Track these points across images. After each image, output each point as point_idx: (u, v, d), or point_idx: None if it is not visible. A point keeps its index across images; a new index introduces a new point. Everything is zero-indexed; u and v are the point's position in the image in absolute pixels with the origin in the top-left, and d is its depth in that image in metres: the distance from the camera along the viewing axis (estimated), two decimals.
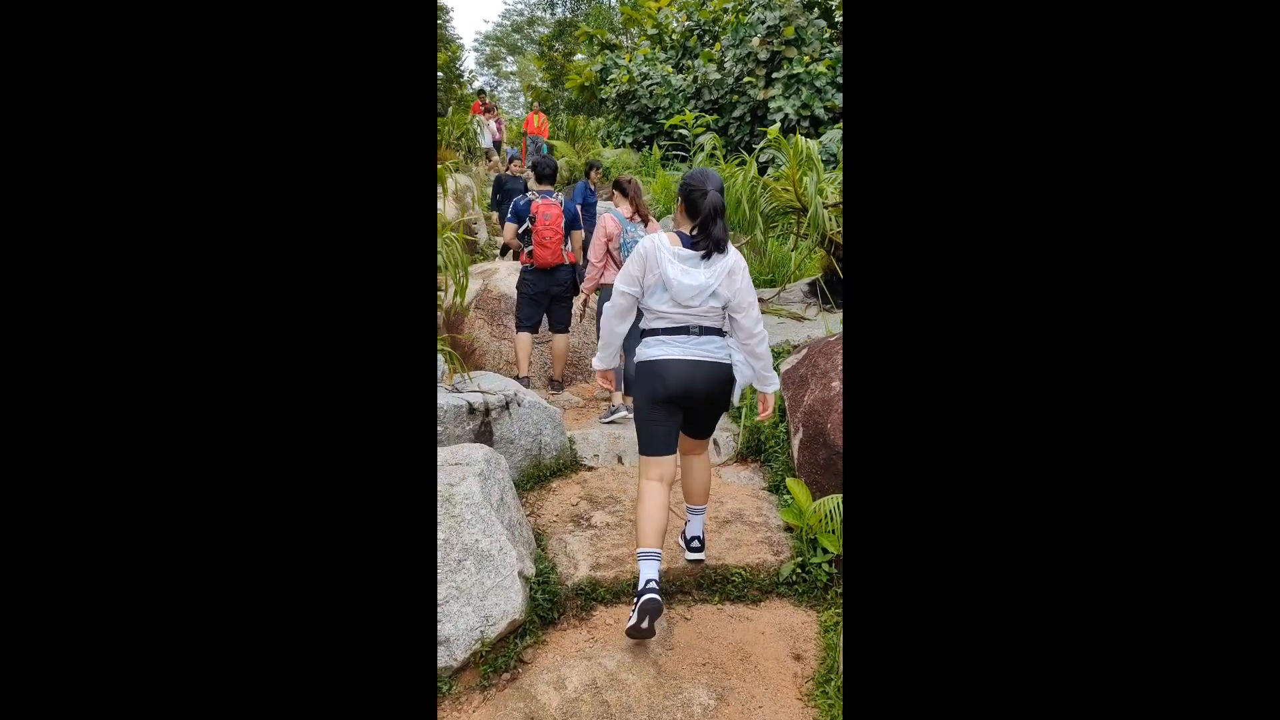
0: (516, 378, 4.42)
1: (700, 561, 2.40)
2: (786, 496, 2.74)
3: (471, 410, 2.98)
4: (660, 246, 2.08)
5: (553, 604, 2.21)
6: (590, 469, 3.34)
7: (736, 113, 10.31)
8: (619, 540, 2.59)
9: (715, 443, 3.54)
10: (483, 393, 3.07)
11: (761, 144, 4.52)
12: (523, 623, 2.06)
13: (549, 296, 4.29)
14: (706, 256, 2.06)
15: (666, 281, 2.05)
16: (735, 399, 2.18)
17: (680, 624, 2.21)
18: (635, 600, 2.00)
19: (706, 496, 2.37)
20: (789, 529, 2.66)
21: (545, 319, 4.35)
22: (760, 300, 4.65)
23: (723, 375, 2.11)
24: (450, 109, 10.70)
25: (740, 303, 2.09)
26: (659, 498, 2.10)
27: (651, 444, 2.13)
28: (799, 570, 2.40)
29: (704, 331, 2.10)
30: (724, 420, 3.79)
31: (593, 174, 6.52)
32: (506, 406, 3.12)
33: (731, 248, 2.13)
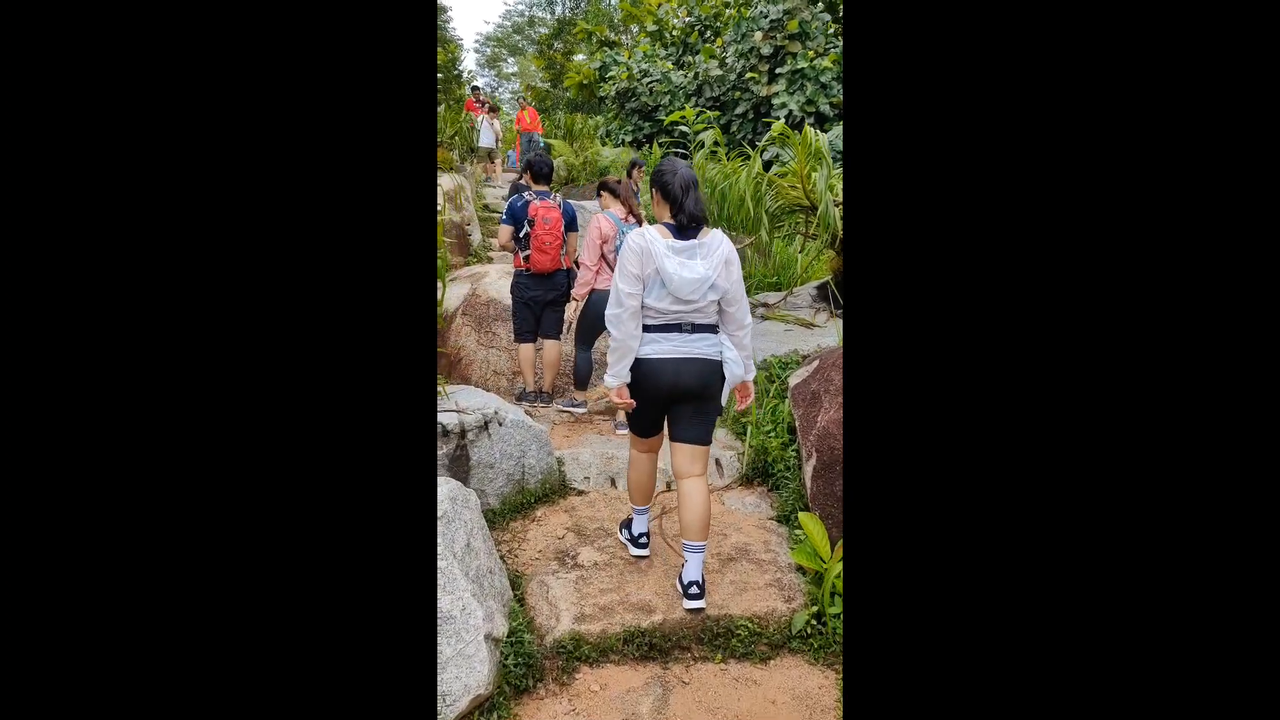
0: (521, 393, 4.11)
1: (700, 610, 2.11)
2: (799, 531, 2.42)
3: (445, 433, 2.67)
4: (653, 240, 2.01)
5: (528, 668, 1.89)
6: (580, 493, 3.03)
7: (739, 110, 10.00)
8: (607, 584, 2.27)
9: (718, 463, 3.23)
10: (458, 411, 2.76)
11: (766, 138, 4.21)
12: (489, 697, 1.75)
13: (544, 302, 3.98)
14: (692, 234, 2.04)
15: (665, 276, 1.98)
16: (724, 397, 2.12)
17: (677, 689, 1.90)
18: (645, 549, 2.41)
19: (707, 531, 2.13)
20: (802, 570, 2.34)
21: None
22: (765, 305, 4.33)
23: (712, 371, 2.07)
24: (442, 107, 10.34)
25: (736, 294, 2.07)
26: (649, 466, 2.31)
27: (639, 428, 2.22)
28: (814, 622, 2.09)
29: (697, 329, 2.06)
30: (727, 438, 3.48)
31: (635, 173, 5.57)
32: (485, 427, 2.80)
33: (719, 232, 2.10)
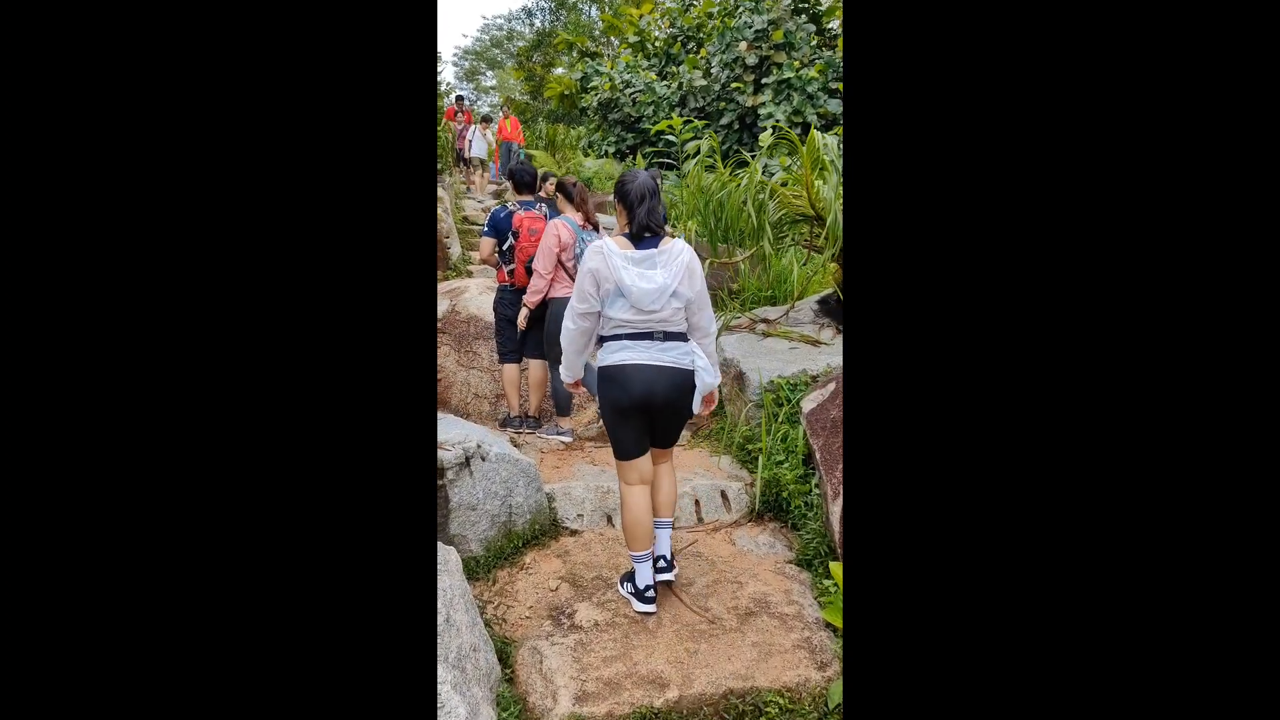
0: (505, 419, 3.79)
1: (670, 582, 2.22)
2: (827, 582, 2.13)
3: None
4: (610, 253, 1.99)
5: None
6: (574, 534, 2.71)
7: (724, 120, 9.84)
8: (611, 650, 1.96)
9: (724, 496, 2.93)
10: (440, 447, 2.43)
11: (767, 140, 3.96)
12: None
13: (529, 319, 3.69)
14: (651, 244, 2.01)
15: (624, 289, 1.97)
16: (696, 406, 2.10)
17: None
18: (651, 604, 2.13)
19: (674, 508, 2.28)
20: (833, 627, 2.05)
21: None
22: (766, 321, 4.07)
23: (685, 382, 2.05)
24: None
25: (700, 302, 2.06)
26: (643, 502, 2.13)
27: (623, 449, 2.12)
28: None
29: (669, 337, 2.04)
30: (732, 468, 3.19)
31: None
32: (467, 463, 2.48)
33: (680, 241, 2.08)
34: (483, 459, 2.53)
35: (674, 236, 2.13)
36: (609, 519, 2.80)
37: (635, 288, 1.96)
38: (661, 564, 2.21)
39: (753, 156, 4.30)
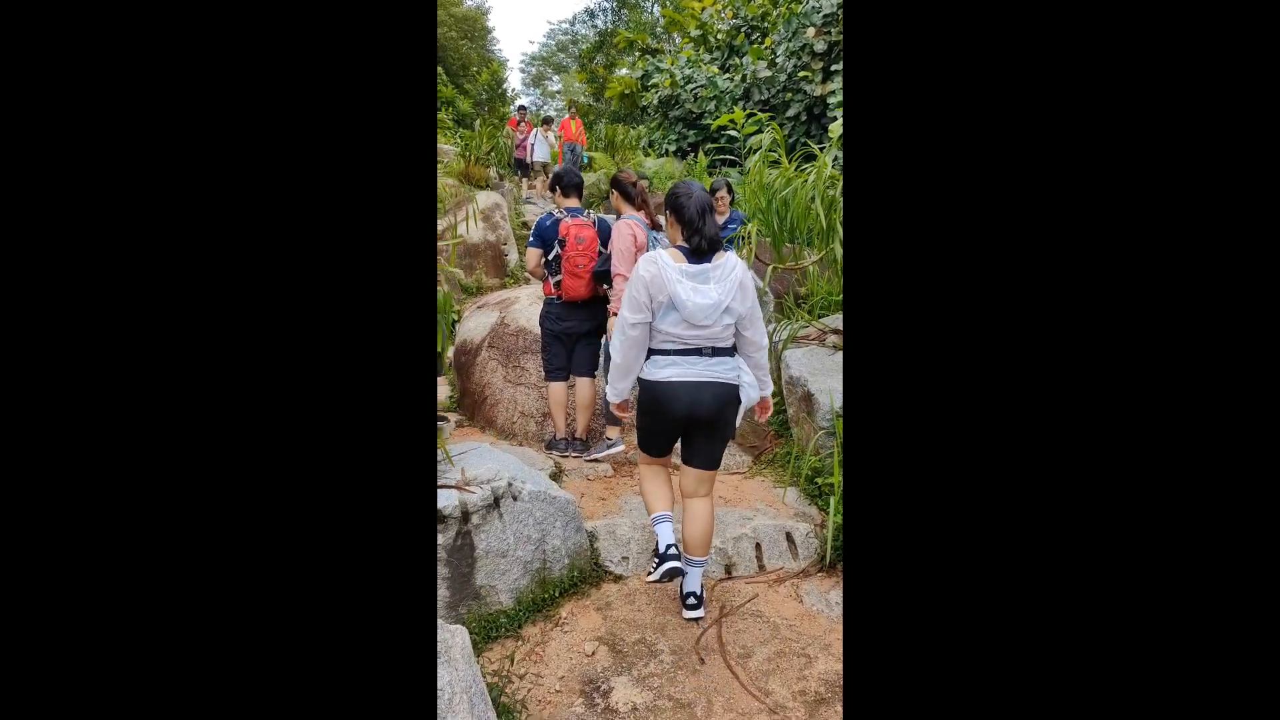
0: (551, 441, 3.54)
1: (699, 620, 2.12)
2: None
3: (442, 518, 2.09)
4: (665, 265, 1.95)
5: None
6: (617, 579, 2.41)
7: (791, 112, 9.31)
8: None
9: (790, 539, 2.56)
10: (460, 488, 2.18)
11: (837, 131, 3.54)
12: None
13: (578, 334, 3.42)
14: (706, 258, 1.98)
15: (677, 303, 1.94)
16: (738, 420, 2.09)
17: None
18: (657, 558, 2.09)
19: (709, 547, 2.14)
20: None
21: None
22: (837, 331, 3.64)
23: (729, 396, 2.02)
24: (478, 122, 9.96)
25: (752, 317, 2.03)
26: (662, 474, 2.19)
27: (648, 449, 2.17)
28: None
29: (717, 353, 2.01)
30: (799, 503, 2.81)
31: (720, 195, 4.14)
32: (496, 504, 2.22)
33: (733, 255, 2.04)
34: (514, 498, 2.27)
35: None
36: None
37: (690, 302, 1.93)
38: (692, 600, 2.13)
39: (822, 149, 3.87)
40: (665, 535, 2.09)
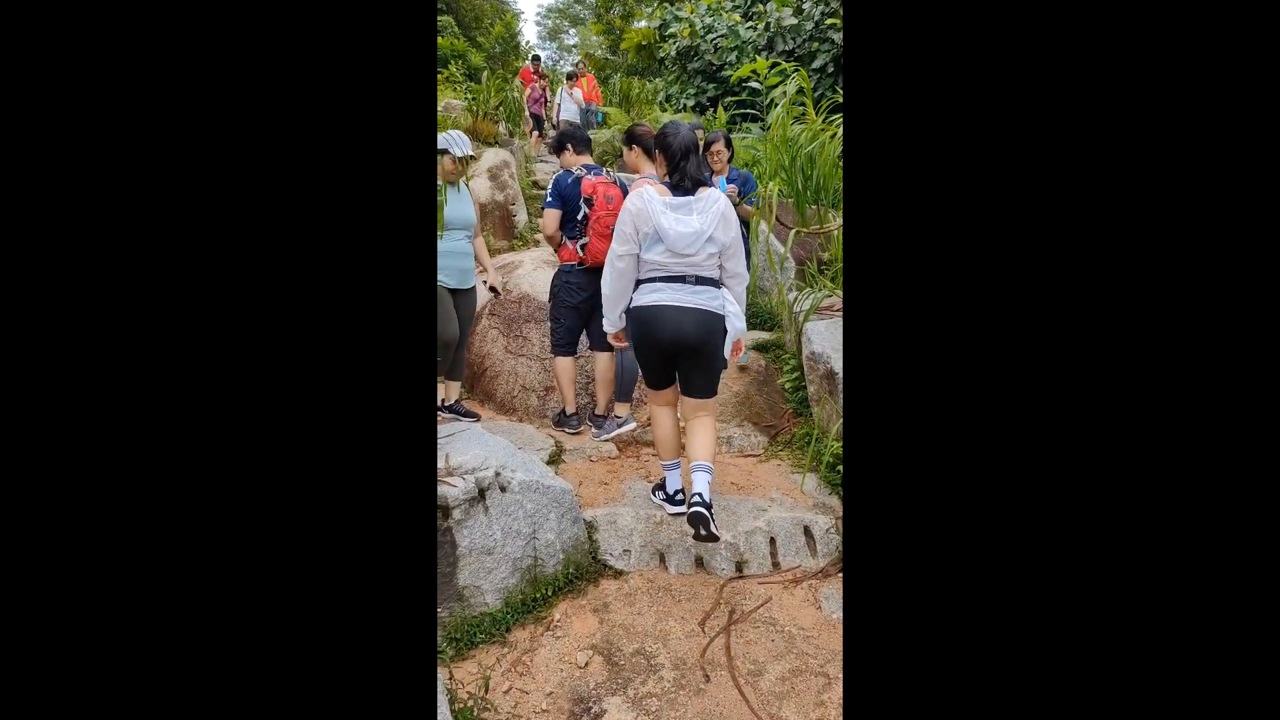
0: (560, 415, 3.30)
1: (708, 520, 2.03)
2: None
3: None
4: (650, 199, 2.08)
5: None
6: (617, 575, 2.21)
7: (817, 63, 8.76)
8: None
9: (808, 533, 2.33)
10: (440, 480, 1.96)
11: None
12: None
13: (593, 306, 3.10)
14: (690, 193, 2.09)
15: (661, 232, 2.06)
16: (726, 351, 2.18)
17: None
18: (681, 505, 2.24)
19: (712, 453, 2.18)
20: None
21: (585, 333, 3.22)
22: None
23: (714, 325, 2.10)
24: (485, 75, 9.46)
25: (735, 249, 2.14)
26: (671, 420, 2.30)
27: (652, 381, 2.25)
28: None
29: (700, 281, 2.11)
30: (820, 492, 2.56)
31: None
32: (481, 497, 2.00)
33: (716, 190, 2.14)
34: (502, 489, 2.05)
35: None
36: (661, 558, 2.27)
37: (672, 231, 2.05)
38: (696, 499, 2.09)
39: (837, 109, 3.49)
40: (674, 481, 2.31)
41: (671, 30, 11.12)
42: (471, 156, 2.89)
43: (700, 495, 2.03)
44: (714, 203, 2.09)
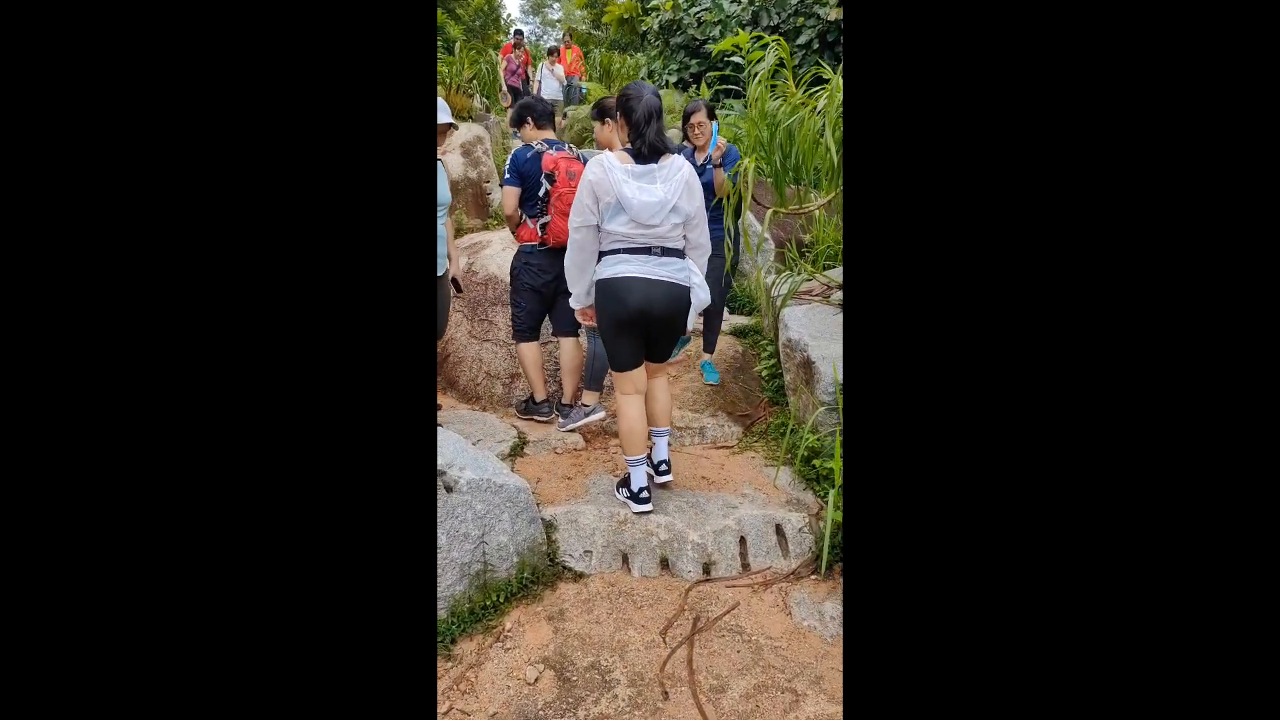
0: (528, 403, 3.13)
1: (668, 484, 2.33)
2: None
3: None
4: (610, 167, 1.99)
5: None
6: (577, 577, 2.06)
7: (802, 39, 8.52)
8: None
9: (780, 532, 2.20)
10: None
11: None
12: None
13: (556, 289, 2.94)
14: (652, 160, 2.00)
15: (624, 202, 1.98)
16: (691, 321, 2.15)
17: None
18: (647, 505, 2.20)
19: (669, 417, 2.33)
20: None
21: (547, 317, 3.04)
22: (843, 287, 3.19)
23: (681, 297, 2.07)
24: (457, 45, 9.07)
25: (698, 219, 2.09)
26: (638, 411, 2.20)
27: (619, 361, 2.16)
28: None
29: (666, 252, 2.06)
30: (794, 487, 2.43)
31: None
32: None
33: (679, 157, 2.06)
34: (448, 490, 1.89)
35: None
36: (624, 560, 2.13)
37: (636, 200, 1.96)
38: (663, 467, 2.32)
39: (820, 81, 3.30)
40: (639, 478, 2.21)
41: (654, 3, 10.80)
42: (451, 125, 2.67)
43: (666, 463, 2.34)
44: (678, 170, 2.00)
